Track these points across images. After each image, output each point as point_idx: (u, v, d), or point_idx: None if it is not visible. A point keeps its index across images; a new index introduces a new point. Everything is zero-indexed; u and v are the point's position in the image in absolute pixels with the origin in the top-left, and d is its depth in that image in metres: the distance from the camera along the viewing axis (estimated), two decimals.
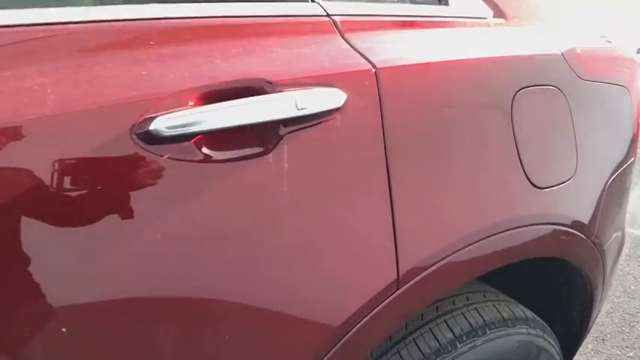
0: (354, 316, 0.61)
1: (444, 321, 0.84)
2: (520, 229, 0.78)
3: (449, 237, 0.71)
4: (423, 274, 0.68)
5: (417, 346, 0.80)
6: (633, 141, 1.14)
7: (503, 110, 0.78)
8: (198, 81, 0.52)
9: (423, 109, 0.69)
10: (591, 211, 0.95)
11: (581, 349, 1.86)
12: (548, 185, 0.83)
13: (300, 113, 0.55)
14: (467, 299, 0.91)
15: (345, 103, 0.59)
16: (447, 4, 0.83)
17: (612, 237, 1.10)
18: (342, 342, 0.61)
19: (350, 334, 0.61)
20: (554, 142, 0.86)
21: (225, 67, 0.54)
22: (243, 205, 0.53)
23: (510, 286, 1.02)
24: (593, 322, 1.13)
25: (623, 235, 1.26)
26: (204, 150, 0.51)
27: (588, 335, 1.92)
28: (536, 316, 0.98)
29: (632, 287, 2.30)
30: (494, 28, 0.87)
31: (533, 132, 0.82)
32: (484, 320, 0.86)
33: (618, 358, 1.83)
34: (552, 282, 1.09)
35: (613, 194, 1.05)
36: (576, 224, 0.89)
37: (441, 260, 0.70)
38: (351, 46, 0.66)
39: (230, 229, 0.52)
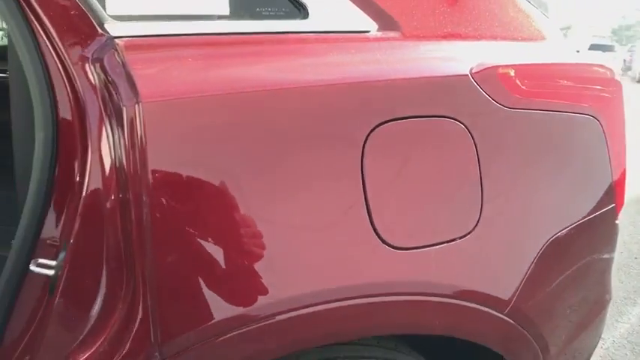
0: None
1: None
2: (365, 300, 0.63)
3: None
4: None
5: None
6: (608, 187, 0.89)
7: (348, 149, 0.62)
8: None
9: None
10: (505, 278, 0.74)
11: None
12: (415, 246, 0.65)
13: None
14: None
15: None
16: (305, 16, 0.68)
17: (567, 311, 0.87)
18: None
19: None
20: (435, 190, 0.68)
21: None
22: None
23: None
24: None
25: (599, 307, 1.00)
26: None
27: None
28: None
29: None
30: (372, 44, 0.70)
31: (394, 178, 0.65)
32: None
33: None
34: None
35: (561, 256, 0.83)
36: (470, 295, 0.70)
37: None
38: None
39: None
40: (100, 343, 0.59)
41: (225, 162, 0.57)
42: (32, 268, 0.65)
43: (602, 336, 1.97)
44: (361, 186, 0.62)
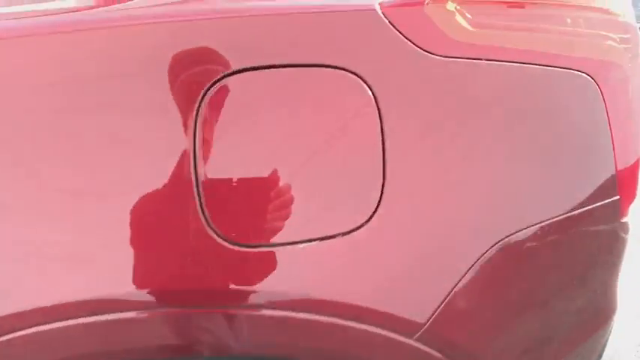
0: None
1: None
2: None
3: None
4: None
5: None
6: (608, 174, 0.64)
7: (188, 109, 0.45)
8: None
9: None
10: (407, 294, 0.53)
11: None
12: (269, 243, 0.47)
13: None
14: None
15: None
16: None
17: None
18: None
19: None
20: (305, 169, 0.48)
21: None
22: None
23: None
24: None
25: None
26: None
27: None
28: None
29: None
30: None
31: (234, 150, 0.46)
32: None
33: None
34: None
35: (519, 267, 0.60)
36: (361, 313, 0.51)
37: None
38: None
39: None
40: None
41: None
42: None
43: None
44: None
